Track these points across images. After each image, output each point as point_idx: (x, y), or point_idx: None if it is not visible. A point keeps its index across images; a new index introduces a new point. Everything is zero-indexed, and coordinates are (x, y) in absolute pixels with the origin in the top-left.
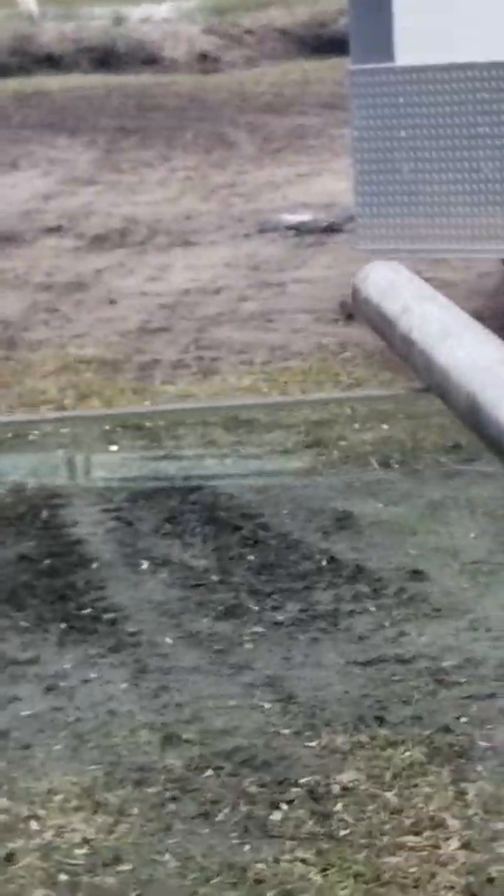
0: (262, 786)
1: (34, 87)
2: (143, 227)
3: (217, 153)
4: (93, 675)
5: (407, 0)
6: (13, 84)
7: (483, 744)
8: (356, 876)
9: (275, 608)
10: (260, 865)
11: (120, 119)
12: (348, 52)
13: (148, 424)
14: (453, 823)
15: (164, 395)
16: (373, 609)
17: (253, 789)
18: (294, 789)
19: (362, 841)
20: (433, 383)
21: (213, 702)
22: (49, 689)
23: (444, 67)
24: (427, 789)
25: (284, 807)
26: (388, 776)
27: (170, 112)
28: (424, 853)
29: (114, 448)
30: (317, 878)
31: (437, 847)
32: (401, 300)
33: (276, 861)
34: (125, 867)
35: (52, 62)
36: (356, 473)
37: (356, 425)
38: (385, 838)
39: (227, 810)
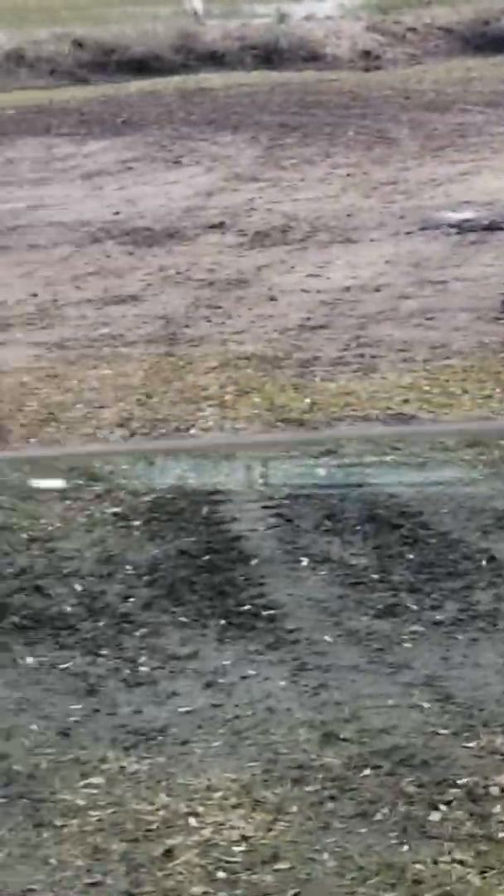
0: (421, 786)
1: (197, 84)
2: (304, 223)
3: (379, 150)
4: (251, 672)
5: None
6: (177, 81)
7: None
8: None
9: (434, 607)
10: (418, 866)
11: (282, 116)
12: None
13: (308, 419)
14: None
15: (325, 392)
16: None
17: (411, 789)
18: (452, 790)
19: None
20: None
21: (371, 700)
22: (208, 686)
23: None
24: None
25: (443, 807)
26: None
27: (332, 109)
28: None
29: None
30: (476, 879)
31: None
32: None
33: (435, 862)
34: (283, 865)
35: (215, 59)
36: None
37: None
38: None
39: (385, 810)
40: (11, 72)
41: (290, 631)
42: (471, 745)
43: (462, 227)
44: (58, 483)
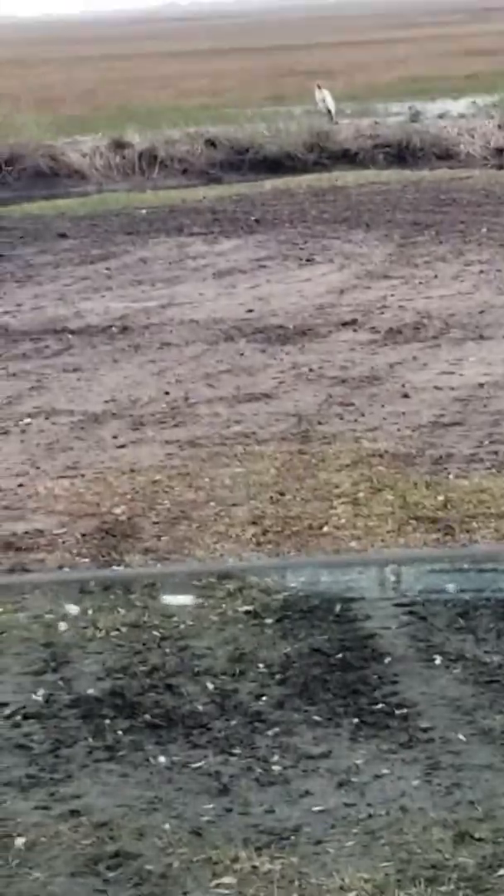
0: None
1: (330, 183)
2: (437, 320)
3: None
4: (385, 771)
5: None
6: (310, 179)
7: None
8: None
9: None
10: None
11: (415, 214)
12: None
13: (441, 516)
14: None
15: (458, 490)
16: None
17: None
18: None
19: None
20: None
21: None
22: (341, 785)
23: None
24: None
25: None
26: None
27: (464, 206)
28: None
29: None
30: None
31: None
32: None
33: None
34: None
35: (348, 157)
36: None
37: None
38: None
39: None
40: (144, 171)
41: (424, 730)
42: None
43: None
44: (187, 599)
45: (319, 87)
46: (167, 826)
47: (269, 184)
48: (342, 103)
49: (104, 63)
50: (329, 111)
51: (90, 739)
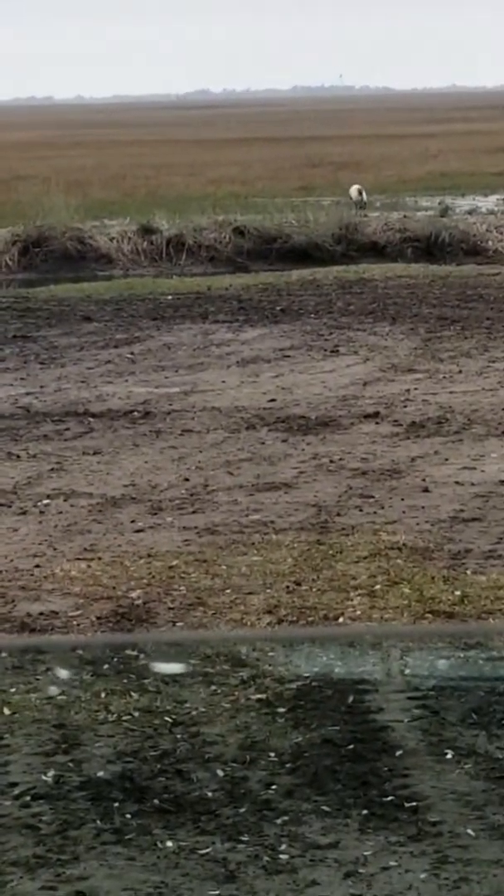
0: None
1: (357, 275)
2: (460, 416)
3: None
4: (392, 863)
5: None
6: (337, 271)
7: None
8: None
9: None
10: None
11: (441, 308)
12: None
13: (458, 611)
14: None
15: (475, 585)
16: None
17: None
18: None
19: None
20: None
21: None
22: (348, 875)
23: None
24: None
25: None
26: None
27: (491, 303)
28: None
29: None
30: None
31: None
32: None
33: None
34: None
35: (376, 250)
36: None
37: None
38: None
39: None
40: (171, 257)
41: (433, 823)
42: None
43: None
44: (178, 667)
45: (361, 192)
46: None
47: (296, 274)
48: (371, 196)
49: (134, 148)
50: (362, 203)
51: (98, 822)
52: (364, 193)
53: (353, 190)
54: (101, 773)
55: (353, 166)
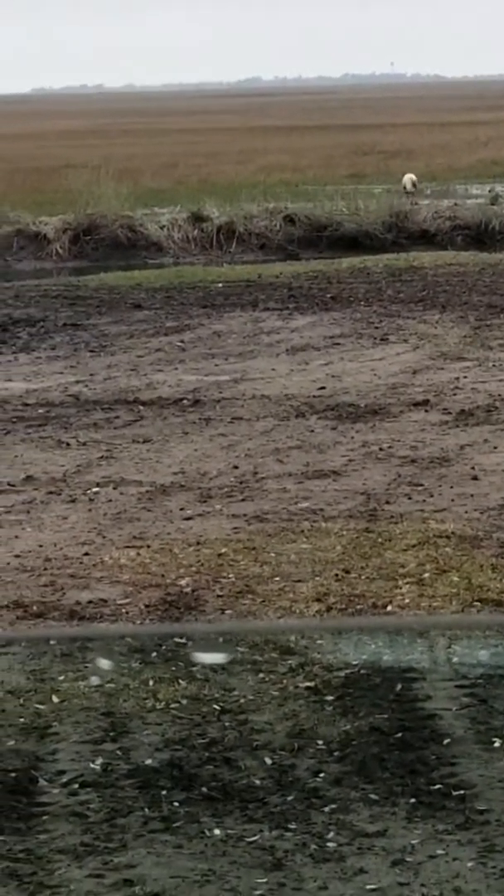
0: None
1: (407, 263)
2: None
3: None
4: (440, 852)
5: None
6: (387, 258)
7: None
8: None
9: None
10: None
11: (490, 296)
12: None
13: None
14: None
15: None
16: None
17: None
18: None
19: None
20: None
21: None
22: (395, 864)
23: None
24: None
25: None
26: None
27: None
28: None
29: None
30: None
31: None
32: None
33: None
34: None
35: (426, 238)
36: None
37: None
38: None
39: None
40: (222, 245)
41: (481, 812)
42: None
43: None
44: (219, 657)
45: (414, 184)
46: None
47: (346, 262)
48: (422, 184)
49: (185, 136)
50: (412, 191)
51: (146, 809)
52: (416, 184)
53: (408, 179)
54: (149, 761)
55: (404, 154)
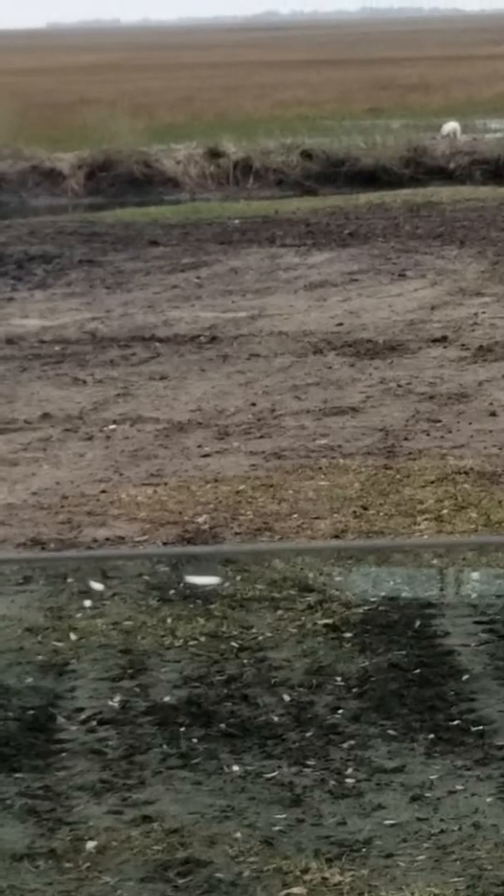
0: None
1: (425, 198)
2: None
3: None
4: (459, 787)
5: None
6: (405, 194)
7: None
8: None
9: None
10: None
11: None
12: None
13: None
14: None
15: None
16: None
17: None
18: None
19: None
20: None
21: None
22: (414, 799)
23: None
24: None
25: None
26: None
27: None
28: None
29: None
30: None
31: None
32: None
33: None
34: None
35: (444, 174)
36: None
37: None
38: None
39: None
40: (239, 181)
41: (500, 747)
42: None
43: None
44: (213, 580)
45: (456, 133)
46: (238, 835)
47: (364, 197)
48: (440, 118)
49: (201, 71)
50: (454, 134)
51: (164, 746)
52: (458, 133)
53: (450, 127)
54: (167, 699)
55: (422, 88)
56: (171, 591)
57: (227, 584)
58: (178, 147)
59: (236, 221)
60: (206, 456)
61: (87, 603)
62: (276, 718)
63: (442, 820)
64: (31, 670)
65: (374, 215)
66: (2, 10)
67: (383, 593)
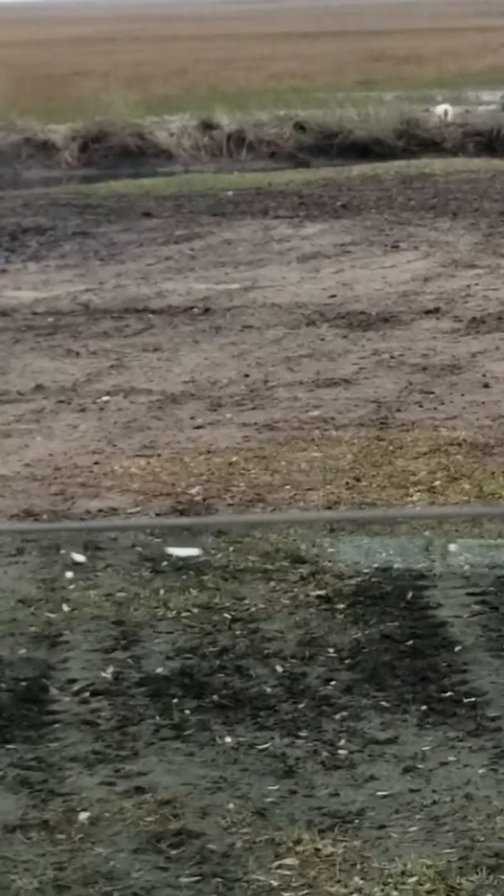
0: None
1: (418, 170)
2: None
3: None
4: (451, 759)
5: None
6: (398, 166)
7: None
8: None
9: None
10: None
11: (502, 203)
12: None
13: None
14: None
15: None
16: None
17: None
18: None
19: None
20: None
21: None
22: (407, 770)
23: None
24: None
25: None
26: None
27: None
28: None
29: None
30: None
31: None
32: None
33: None
34: None
35: (437, 145)
36: None
37: None
38: None
39: None
40: (232, 153)
41: (492, 719)
42: None
43: None
44: (194, 551)
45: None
46: (231, 806)
47: (357, 169)
48: (433, 90)
49: (194, 43)
50: (445, 114)
51: (157, 718)
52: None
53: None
54: (159, 670)
55: (415, 60)
56: (164, 563)
57: (219, 556)
58: (171, 119)
59: (230, 193)
60: (199, 427)
61: (70, 574)
62: (268, 690)
63: (434, 791)
64: (24, 641)
65: (366, 187)
66: None
67: (376, 565)
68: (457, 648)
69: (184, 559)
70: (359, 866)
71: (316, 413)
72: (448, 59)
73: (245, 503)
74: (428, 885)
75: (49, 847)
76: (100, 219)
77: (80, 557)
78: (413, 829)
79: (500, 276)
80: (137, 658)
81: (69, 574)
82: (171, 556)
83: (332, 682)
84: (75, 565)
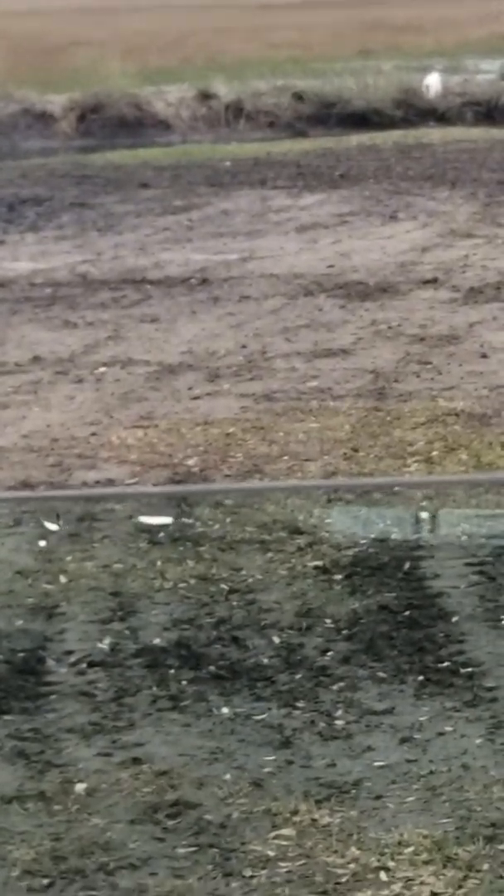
0: None
1: (417, 140)
2: None
3: None
4: (448, 729)
5: None
6: (396, 136)
7: None
8: None
9: None
10: None
11: (501, 173)
12: None
13: None
14: None
15: None
16: None
17: None
18: None
19: None
20: None
21: None
22: (403, 741)
23: None
24: None
25: None
26: None
27: None
28: None
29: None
30: None
31: None
32: None
33: None
34: None
35: (436, 115)
36: None
37: None
38: None
39: None
40: (230, 123)
41: (489, 689)
42: None
43: None
44: (166, 520)
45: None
46: (228, 777)
47: (355, 139)
48: (431, 59)
49: (191, 12)
50: (429, 88)
51: (154, 689)
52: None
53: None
54: (156, 641)
55: (414, 30)
56: (161, 534)
57: (216, 527)
58: (169, 89)
59: (227, 164)
60: (196, 398)
61: (77, 546)
62: (265, 660)
63: (431, 761)
64: (21, 613)
65: (365, 157)
66: None
67: (373, 535)
68: (454, 619)
69: (157, 527)
70: (355, 836)
71: (314, 384)
72: (447, 27)
73: (243, 474)
74: (425, 855)
75: (46, 818)
76: (97, 189)
77: (44, 526)
78: (410, 799)
79: (498, 245)
80: (134, 629)
81: (66, 545)
82: (167, 526)
83: (329, 653)
84: (72, 536)
